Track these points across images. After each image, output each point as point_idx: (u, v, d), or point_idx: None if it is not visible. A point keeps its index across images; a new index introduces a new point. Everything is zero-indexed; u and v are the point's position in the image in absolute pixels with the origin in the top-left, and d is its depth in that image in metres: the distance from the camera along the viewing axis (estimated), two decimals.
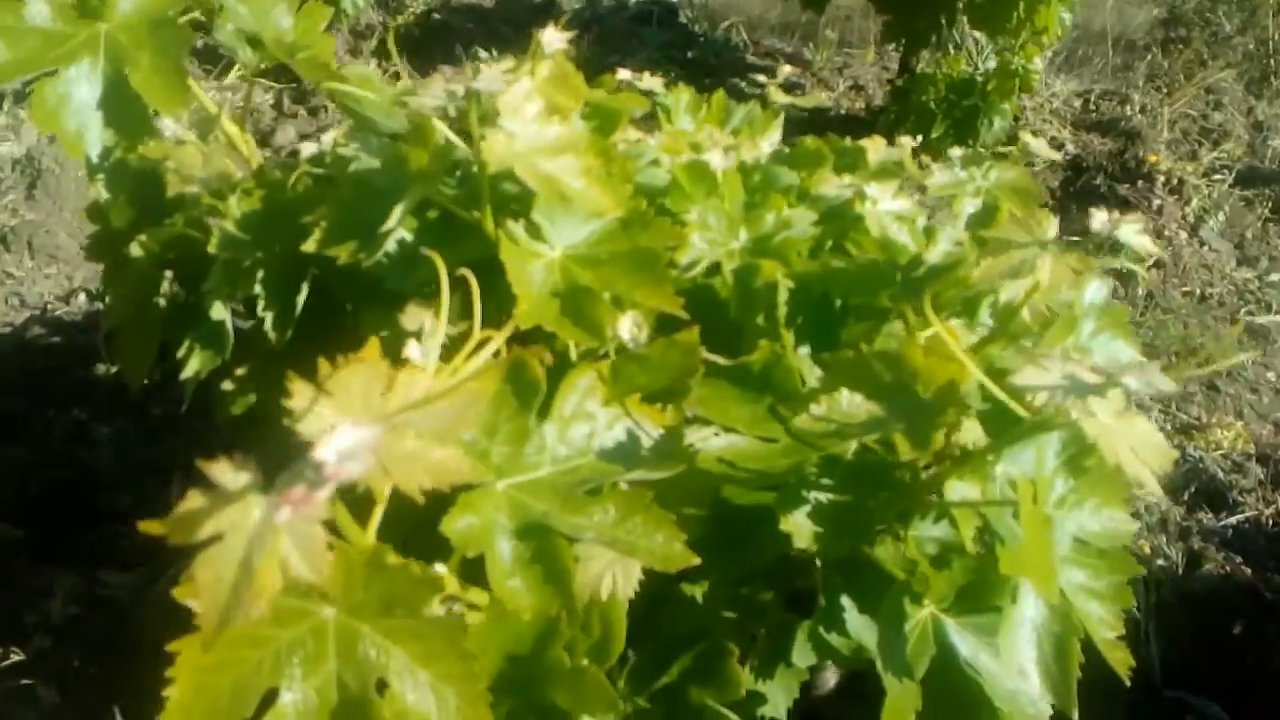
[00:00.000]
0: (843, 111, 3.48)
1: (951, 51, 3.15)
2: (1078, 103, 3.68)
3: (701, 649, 0.91)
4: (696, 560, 0.67)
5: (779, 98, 1.45)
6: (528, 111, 0.80)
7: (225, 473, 0.41)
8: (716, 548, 0.87)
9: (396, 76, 3.35)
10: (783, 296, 0.86)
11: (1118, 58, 4.08)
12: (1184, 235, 2.91)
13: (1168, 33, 4.17)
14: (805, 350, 0.86)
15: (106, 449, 1.71)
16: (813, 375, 0.84)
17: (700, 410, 0.84)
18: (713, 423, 0.84)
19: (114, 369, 1.91)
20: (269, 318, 0.94)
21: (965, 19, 2.78)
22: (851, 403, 0.72)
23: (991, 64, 3.07)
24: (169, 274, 1.08)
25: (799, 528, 0.78)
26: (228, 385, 1.13)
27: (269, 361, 1.11)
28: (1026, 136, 1.22)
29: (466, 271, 0.76)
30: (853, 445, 0.84)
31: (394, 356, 0.93)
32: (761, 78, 3.46)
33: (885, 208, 1.12)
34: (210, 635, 0.40)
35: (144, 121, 0.93)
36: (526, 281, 0.85)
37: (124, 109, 0.93)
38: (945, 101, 3.05)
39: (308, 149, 0.97)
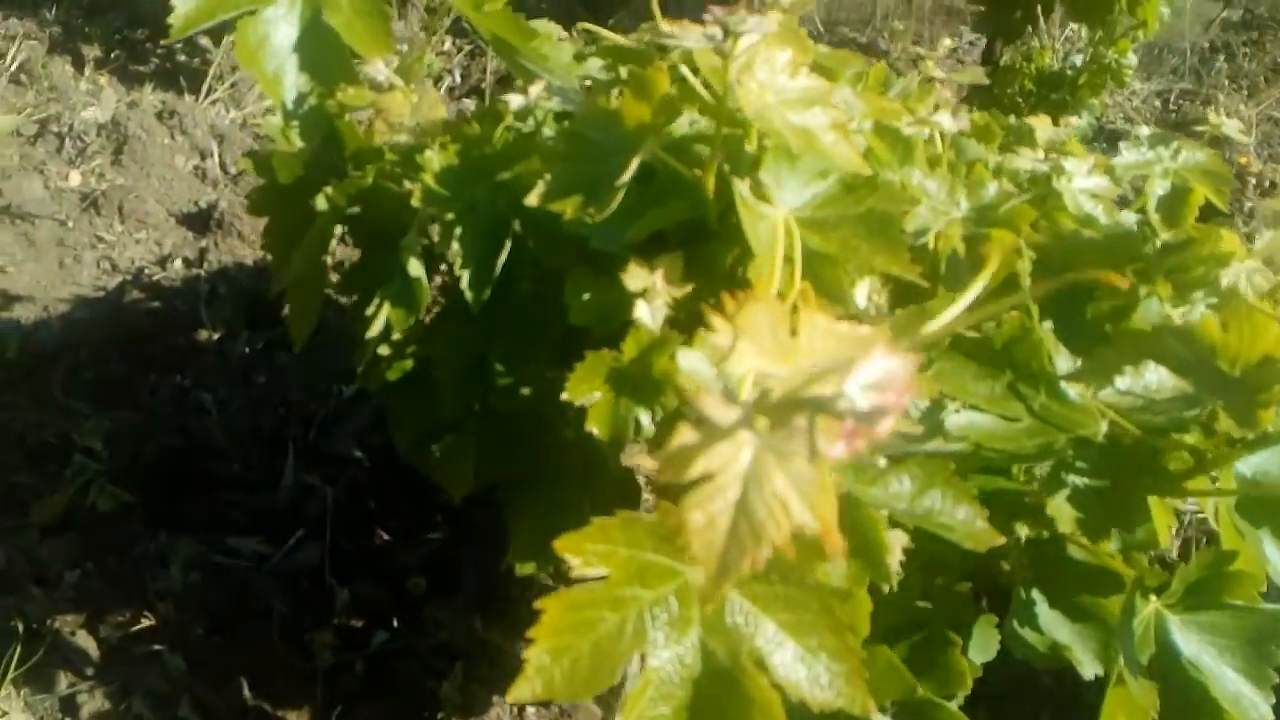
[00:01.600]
0: None
1: (1039, 44, 3.09)
2: (1158, 103, 3.62)
3: (918, 639, 0.86)
4: (1002, 539, 0.62)
5: (934, 72, 1.41)
6: (778, 60, 0.76)
7: (717, 407, 0.36)
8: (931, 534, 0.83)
9: (474, 52, 3.30)
10: (1026, 268, 0.81)
11: (1194, 58, 4.01)
12: None
13: (1244, 35, 4.09)
14: (1048, 325, 0.82)
15: (214, 416, 1.68)
16: (1060, 352, 0.79)
17: (939, 384, 0.80)
18: (953, 399, 0.79)
19: (215, 335, 1.88)
20: (466, 275, 0.90)
21: (1063, 9, 2.71)
22: (1159, 378, 0.67)
23: (1077, 59, 3.02)
24: (338, 230, 1.04)
25: (1060, 512, 0.74)
26: (384, 350, 1.10)
27: (435, 324, 1.07)
28: (1217, 117, 1.17)
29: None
30: (1103, 427, 0.79)
31: (604, 317, 0.88)
32: None
33: (1080, 185, 1.08)
34: (711, 586, 0.36)
35: (343, 65, 0.89)
36: (757, 243, 0.81)
37: (322, 51, 0.89)
38: (1031, 96, 2.99)
39: (515, 101, 0.93)
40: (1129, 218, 1.12)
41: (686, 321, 0.81)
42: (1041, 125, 1.32)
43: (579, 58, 1.09)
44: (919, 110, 0.98)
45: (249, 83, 2.97)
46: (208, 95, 2.88)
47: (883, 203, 0.84)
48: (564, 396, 0.80)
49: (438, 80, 3.14)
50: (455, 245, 0.90)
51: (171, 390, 1.73)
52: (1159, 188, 1.17)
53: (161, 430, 1.63)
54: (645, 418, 0.78)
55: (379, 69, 0.86)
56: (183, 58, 3.01)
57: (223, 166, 2.52)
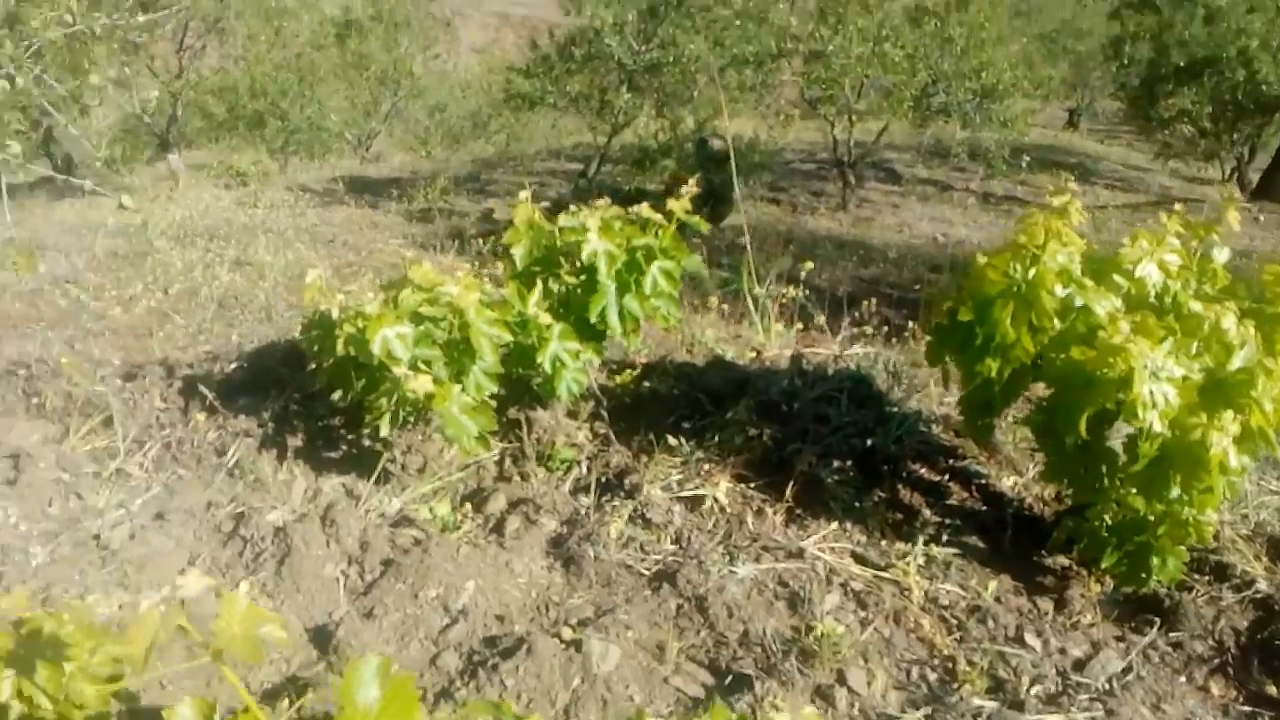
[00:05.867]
0: (1025, 505, 3.50)
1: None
2: None
3: None
4: None
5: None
6: None
7: None
8: None
9: (607, 440, 3.72)
10: None
11: None
12: None
13: None
14: None
15: None
16: None
17: None
18: None
19: None
20: None
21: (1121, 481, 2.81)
22: None
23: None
24: None
25: None
26: None
27: None
28: None
29: None
30: None
31: None
32: (942, 475, 3.54)
33: None
34: None
35: None
36: None
37: None
38: (1117, 533, 3.04)
39: None
40: None
41: None
42: None
43: None
44: None
45: (419, 465, 3.56)
46: (383, 480, 3.47)
47: None
48: None
49: (567, 470, 3.58)
50: None
51: None
52: None
53: None
54: None
55: None
56: (367, 442, 3.63)
57: (361, 573, 3.04)
